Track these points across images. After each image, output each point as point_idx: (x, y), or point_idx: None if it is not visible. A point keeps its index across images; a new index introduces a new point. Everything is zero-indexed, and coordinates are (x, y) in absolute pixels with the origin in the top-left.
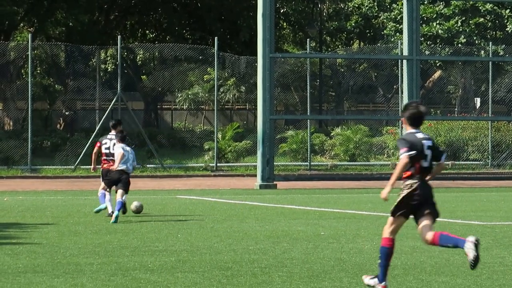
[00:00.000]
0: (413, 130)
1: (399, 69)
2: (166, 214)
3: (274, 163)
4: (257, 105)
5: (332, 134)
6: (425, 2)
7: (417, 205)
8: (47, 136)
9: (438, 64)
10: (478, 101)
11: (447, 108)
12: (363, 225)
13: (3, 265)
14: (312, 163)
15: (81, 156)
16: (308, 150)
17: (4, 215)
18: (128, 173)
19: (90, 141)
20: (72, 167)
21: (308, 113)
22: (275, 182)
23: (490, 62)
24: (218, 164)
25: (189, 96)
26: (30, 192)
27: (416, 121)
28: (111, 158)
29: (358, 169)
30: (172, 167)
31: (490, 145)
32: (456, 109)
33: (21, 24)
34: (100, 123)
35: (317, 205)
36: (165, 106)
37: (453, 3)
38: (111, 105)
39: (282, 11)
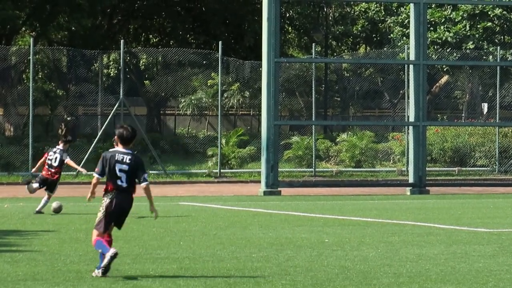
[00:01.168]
0: (120, 149)
1: (406, 74)
2: (168, 221)
3: (279, 169)
4: (261, 110)
5: (337, 140)
6: (433, 6)
7: (114, 216)
8: (49, 142)
9: (445, 69)
10: (485, 106)
11: (454, 113)
12: (368, 232)
13: (3, 273)
14: (317, 169)
15: (83, 162)
16: (313, 156)
17: (4, 222)
18: None
19: (92, 147)
20: (74, 173)
21: (313, 119)
22: (279, 189)
23: (498, 67)
24: (221, 170)
25: (193, 101)
26: (31, 198)
27: (124, 140)
28: (50, 169)
29: (363, 175)
30: (175, 173)
31: (497, 151)
32: (463, 115)
33: (23, 28)
34: (102, 128)
35: (321, 212)
36: (168, 112)
37: (461, 7)
38: (113, 111)
39: (287, 15)
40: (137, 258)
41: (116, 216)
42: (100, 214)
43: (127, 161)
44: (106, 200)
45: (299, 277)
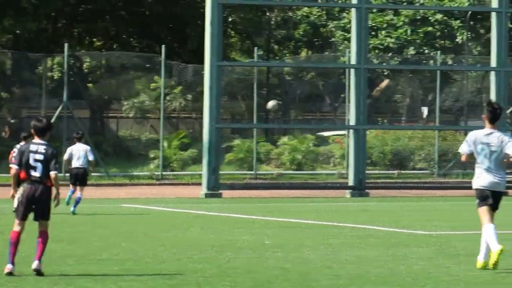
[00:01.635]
0: (35, 141)
1: (347, 77)
2: (110, 223)
3: (220, 172)
4: (203, 113)
5: (278, 143)
6: (374, 11)
7: (28, 206)
8: None
9: (386, 73)
10: (425, 110)
11: (394, 117)
12: (308, 234)
13: None
14: (258, 172)
15: None
16: (254, 159)
17: None
18: (85, 168)
19: None
20: None
21: (255, 122)
22: (220, 191)
23: (438, 71)
24: (163, 173)
25: (135, 104)
26: None
27: (38, 132)
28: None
29: (304, 178)
30: (117, 176)
31: (436, 154)
32: (403, 118)
33: None
34: None
35: (262, 214)
36: (111, 114)
37: (402, 12)
38: (56, 113)
39: (230, 19)
40: (80, 260)
41: (28, 204)
42: (16, 201)
43: (42, 150)
44: (20, 189)
45: (239, 279)
